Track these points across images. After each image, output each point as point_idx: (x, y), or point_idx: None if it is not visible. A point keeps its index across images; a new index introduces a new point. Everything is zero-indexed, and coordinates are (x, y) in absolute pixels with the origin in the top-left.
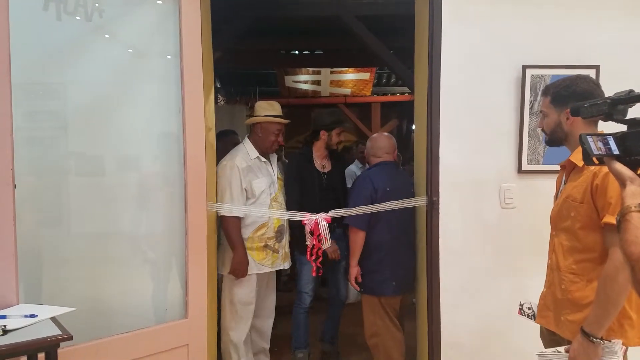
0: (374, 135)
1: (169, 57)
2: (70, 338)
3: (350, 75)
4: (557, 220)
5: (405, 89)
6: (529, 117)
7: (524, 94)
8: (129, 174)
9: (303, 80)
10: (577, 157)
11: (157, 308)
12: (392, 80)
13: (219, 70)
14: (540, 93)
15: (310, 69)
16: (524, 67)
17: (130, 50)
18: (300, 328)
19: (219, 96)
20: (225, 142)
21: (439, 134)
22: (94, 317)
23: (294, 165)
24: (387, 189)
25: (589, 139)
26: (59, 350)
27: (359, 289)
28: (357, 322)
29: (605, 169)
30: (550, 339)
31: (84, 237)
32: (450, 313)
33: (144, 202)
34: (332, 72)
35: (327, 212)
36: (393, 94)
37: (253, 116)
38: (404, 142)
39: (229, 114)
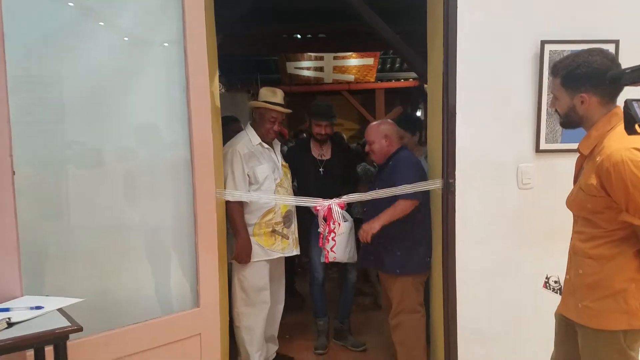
0: (385, 123)
1: (171, 39)
2: (80, 329)
3: (353, 61)
4: (574, 208)
5: (410, 75)
6: (548, 95)
7: (543, 71)
8: (134, 163)
9: (305, 67)
10: (584, 145)
11: (168, 298)
12: (397, 65)
13: (219, 57)
14: (549, 72)
15: (313, 55)
16: (543, 43)
17: (131, 34)
18: (317, 300)
19: (220, 84)
20: (226, 131)
21: (455, 113)
22: (104, 309)
23: (290, 154)
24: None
25: (635, 105)
26: (67, 343)
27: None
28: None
29: (612, 157)
30: (565, 322)
31: (92, 228)
32: (467, 297)
33: (151, 191)
34: (335, 58)
35: (334, 199)
36: (397, 79)
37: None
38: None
39: (231, 101)
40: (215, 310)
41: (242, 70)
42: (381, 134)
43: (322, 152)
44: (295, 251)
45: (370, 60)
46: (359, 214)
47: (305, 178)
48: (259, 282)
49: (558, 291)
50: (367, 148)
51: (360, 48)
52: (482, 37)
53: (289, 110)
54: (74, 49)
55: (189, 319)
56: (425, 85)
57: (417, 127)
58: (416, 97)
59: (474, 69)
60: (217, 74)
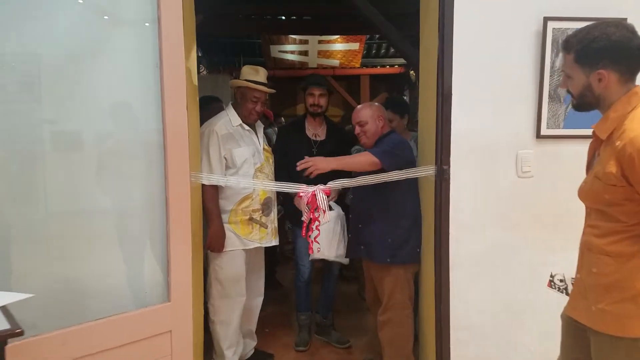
0: (376, 104)
1: (145, 11)
2: (20, 334)
3: (338, 46)
4: (588, 200)
5: (395, 61)
6: (550, 76)
7: (545, 50)
8: (102, 143)
9: (289, 51)
10: (601, 128)
11: (136, 291)
12: (382, 51)
13: (201, 38)
14: (560, 47)
15: (297, 39)
16: (545, 20)
17: (101, 8)
18: (301, 295)
19: (201, 66)
20: (208, 111)
21: (450, 95)
22: (66, 302)
23: (282, 133)
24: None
25: None
26: (17, 342)
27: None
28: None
29: (636, 141)
30: (574, 325)
31: (54, 213)
32: (460, 292)
33: (121, 174)
34: (320, 42)
35: (324, 184)
36: (382, 65)
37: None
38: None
39: (213, 83)
40: (187, 304)
41: (226, 53)
42: (375, 114)
43: (316, 132)
44: (274, 242)
45: (355, 45)
46: (349, 201)
47: (297, 160)
48: (235, 273)
49: (564, 291)
50: (357, 130)
51: (346, 31)
52: (480, 13)
53: (272, 90)
54: (39, 21)
55: (158, 314)
56: (411, 72)
57: (406, 110)
58: (401, 83)
59: (470, 47)
60: (195, 49)
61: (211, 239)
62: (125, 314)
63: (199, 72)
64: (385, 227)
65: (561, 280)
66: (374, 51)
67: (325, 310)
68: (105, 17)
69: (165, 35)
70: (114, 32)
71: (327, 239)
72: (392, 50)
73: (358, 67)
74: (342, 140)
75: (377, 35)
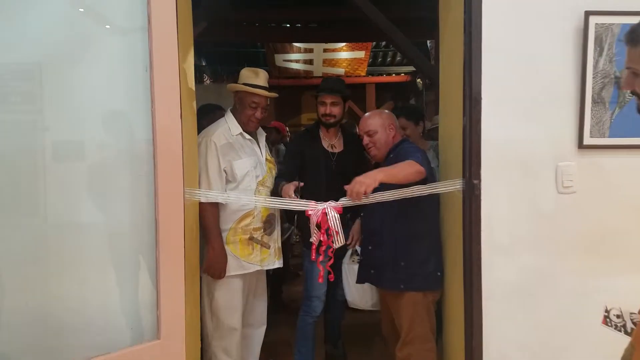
0: (385, 112)
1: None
2: None
3: (344, 54)
4: None
5: (401, 69)
6: (593, 78)
7: (587, 49)
8: (85, 155)
9: (294, 60)
10: None
11: (121, 327)
12: (388, 59)
13: (205, 47)
14: (625, 40)
15: (302, 47)
16: (587, 14)
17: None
18: (307, 342)
19: (205, 75)
20: (210, 120)
21: (480, 100)
22: (41, 337)
23: (295, 143)
24: (433, 167)
25: None
26: None
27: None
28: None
29: None
30: None
31: (26, 233)
32: (494, 325)
33: (106, 190)
34: (325, 51)
35: (337, 200)
36: (388, 74)
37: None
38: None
39: (217, 93)
40: (179, 342)
41: (230, 62)
42: (385, 123)
43: (332, 144)
44: (278, 263)
45: (361, 54)
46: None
47: (315, 174)
48: (231, 302)
49: (622, 329)
50: (365, 141)
51: (352, 37)
52: (512, 7)
53: (274, 94)
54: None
55: (145, 354)
56: (418, 80)
57: (420, 117)
58: (407, 91)
59: (501, 46)
60: (192, 49)
61: (211, 261)
62: (107, 355)
63: (203, 82)
64: (397, 248)
65: (618, 316)
66: (379, 59)
67: (333, 337)
68: (107, 27)
69: (156, 33)
70: (99, 32)
71: (355, 288)
72: (397, 58)
73: (364, 76)
74: (362, 150)
75: (383, 43)
